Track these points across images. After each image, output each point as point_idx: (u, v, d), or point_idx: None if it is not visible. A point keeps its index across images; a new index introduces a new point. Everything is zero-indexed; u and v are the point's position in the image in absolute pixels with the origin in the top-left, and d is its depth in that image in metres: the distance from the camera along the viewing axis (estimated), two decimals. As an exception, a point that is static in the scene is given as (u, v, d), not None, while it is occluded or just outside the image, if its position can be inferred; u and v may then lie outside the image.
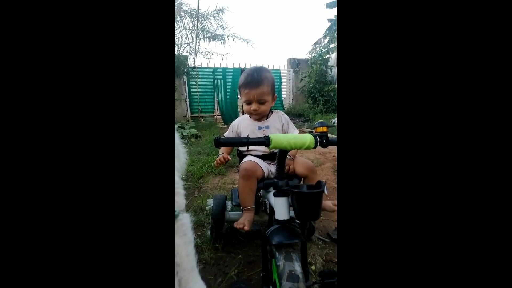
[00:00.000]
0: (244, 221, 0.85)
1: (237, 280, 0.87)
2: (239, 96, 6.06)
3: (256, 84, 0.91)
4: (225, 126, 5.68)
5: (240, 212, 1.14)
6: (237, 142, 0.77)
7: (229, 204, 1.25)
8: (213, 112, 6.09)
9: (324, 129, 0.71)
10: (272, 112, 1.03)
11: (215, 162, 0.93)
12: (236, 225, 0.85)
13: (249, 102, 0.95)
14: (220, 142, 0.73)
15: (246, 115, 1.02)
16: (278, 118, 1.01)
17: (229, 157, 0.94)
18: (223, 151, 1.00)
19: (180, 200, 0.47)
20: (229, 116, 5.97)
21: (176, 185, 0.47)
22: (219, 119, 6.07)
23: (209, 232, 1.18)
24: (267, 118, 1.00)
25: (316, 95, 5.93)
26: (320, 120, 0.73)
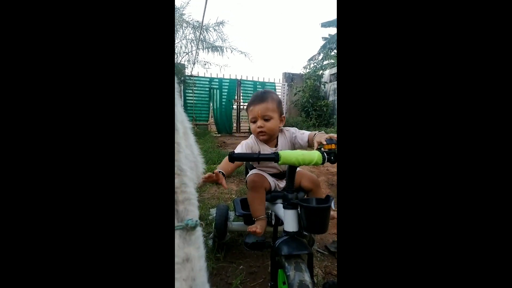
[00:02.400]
0: (257, 225, 0.87)
1: None
2: (234, 106, 6.14)
3: (260, 100, 0.94)
4: (219, 135, 5.70)
5: (242, 223, 1.17)
6: (248, 158, 0.82)
7: (231, 214, 1.27)
8: (208, 120, 6.11)
9: (333, 146, 0.76)
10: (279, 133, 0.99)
11: (204, 176, 0.77)
12: (249, 228, 0.86)
13: (254, 120, 0.94)
14: (233, 157, 0.78)
15: (255, 139, 0.98)
16: (284, 138, 0.99)
17: (223, 176, 0.82)
18: (224, 167, 0.87)
19: (196, 210, 0.47)
20: (223, 125, 6.02)
21: (192, 196, 0.47)
22: (213, 127, 6.09)
23: (210, 241, 1.19)
24: (277, 143, 0.97)
25: (309, 109, 6.10)
26: (329, 138, 0.79)
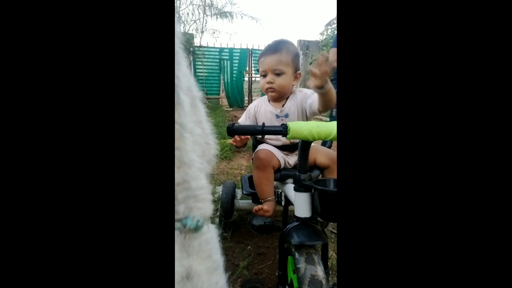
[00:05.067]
0: (264, 205, 0.78)
1: (251, 278, 0.83)
2: (245, 79, 5.88)
3: (273, 51, 0.78)
4: (231, 109, 5.56)
5: (250, 201, 1.09)
6: (251, 131, 0.69)
7: (238, 192, 1.20)
8: (219, 94, 5.95)
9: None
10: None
11: (232, 141, 0.80)
12: (255, 209, 0.78)
13: (264, 74, 0.81)
14: (233, 131, 0.66)
15: (264, 98, 0.89)
16: (295, 100, 0.83)
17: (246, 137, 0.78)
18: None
19: (206, 207, 0.34)
20: (235, 99, 5.84)
21: (200, 191, 0.35)
22: (225, 101, 5.94)
23: (217, 220, 1.13)
24: (285, 104, 0.84)
25: (325, 80, 5.72)
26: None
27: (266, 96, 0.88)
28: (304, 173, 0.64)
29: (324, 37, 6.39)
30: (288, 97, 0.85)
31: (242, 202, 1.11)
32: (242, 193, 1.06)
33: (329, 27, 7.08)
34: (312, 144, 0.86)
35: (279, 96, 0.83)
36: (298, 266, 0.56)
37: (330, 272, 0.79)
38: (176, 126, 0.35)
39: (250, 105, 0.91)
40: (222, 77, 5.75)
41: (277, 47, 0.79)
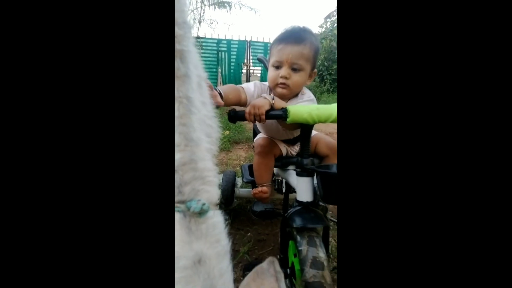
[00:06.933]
0: (262, 188, 0.77)
1: (253, 261, 0.84)
2: (243, 71, 5.81)
3: (296, 41, 0.64)
4: (228, 101, 5.51)
5: (250, 189, 1.09)
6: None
7: (239, 180, 1.20)
8: (216, 86, 5.88)
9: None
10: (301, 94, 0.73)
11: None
12: (253, 191, 0.77)
13: (278, 66, 0.67)
14: (233, 117, 0.66)
15: (267, 90, 0.74)
16: (298, 101, 0.74)
17: (220, 96, 0.62)
18: (226, 90, 0.67)
19: (213, 191, 0.32)
20: (233, 91, 5.78)
21: (207, 173, 0.32)
22: (222, 94, 5.88)
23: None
24: (289, 102, 0.72)
25: (323, 73, 5.70)
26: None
27: (268, 90, 0.74)
28: (306, 158, 0.65)
29: (323, 29, 6.33)
30: (297, 96, 0.74)
31: (242, 190, 1.12)
32: (243, 181, 1.07)
33: (328, 19, 7.01)
34: (314, 132, 0.86)
35: (289, 95, 0.71)
36: (300, 248, 0.57)
37: (331, 256, 0.81)
38: (184, 100, 0.34)
39: (261, 84, 0.75)
40: (219, 69, 5.68)
41: (301, 37, 0.65)
